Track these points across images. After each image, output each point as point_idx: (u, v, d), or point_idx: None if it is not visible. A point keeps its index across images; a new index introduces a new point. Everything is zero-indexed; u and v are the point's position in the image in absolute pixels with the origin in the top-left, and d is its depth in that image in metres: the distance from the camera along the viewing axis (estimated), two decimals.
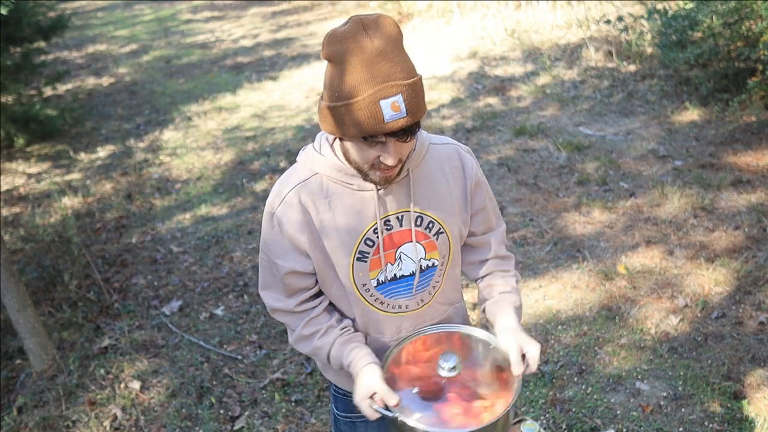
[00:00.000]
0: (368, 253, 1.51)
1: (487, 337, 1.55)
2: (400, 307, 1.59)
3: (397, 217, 1.51)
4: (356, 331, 1.61)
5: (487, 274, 1.69)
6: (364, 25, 1.30)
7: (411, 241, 1.53)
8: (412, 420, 1.35)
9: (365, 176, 1.43)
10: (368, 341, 1.61)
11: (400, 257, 1.54)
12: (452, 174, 1.56)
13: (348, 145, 1.40)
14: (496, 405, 1.40)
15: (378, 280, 1.54)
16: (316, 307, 1.58)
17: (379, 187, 1.46)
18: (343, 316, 1.63)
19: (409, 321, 1.61)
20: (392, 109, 1.27)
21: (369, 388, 1.42)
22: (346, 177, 1.46)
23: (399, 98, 1.27)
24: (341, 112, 1.31)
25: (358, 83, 1.27)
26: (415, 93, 1.30)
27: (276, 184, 1.53)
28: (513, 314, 1.57)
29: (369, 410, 1.42)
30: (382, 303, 1.57)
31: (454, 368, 1.44)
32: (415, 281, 1.57)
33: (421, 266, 1.56)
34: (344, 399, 1.72)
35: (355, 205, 1.47)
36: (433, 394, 1.44)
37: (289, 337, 1.62)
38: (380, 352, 1.57)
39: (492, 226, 1.68)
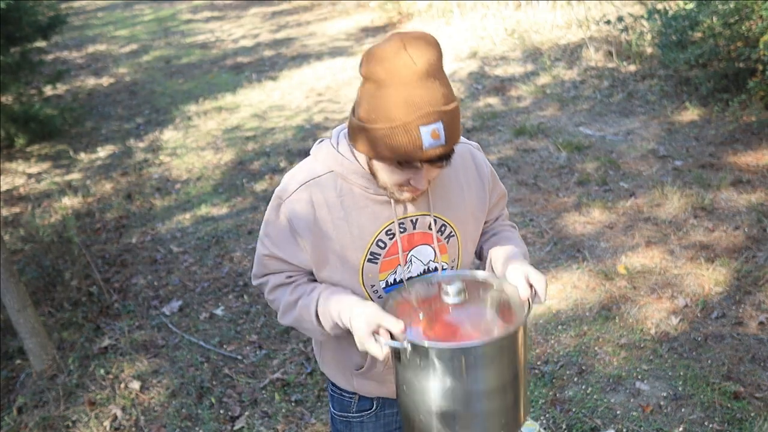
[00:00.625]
0: (379, 255, 1.48)
1: (490, 279, 1.46)
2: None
3: (412, 220, 1.48)
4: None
5: (491, 230, 1.68)
6: (406, 44, 1.23)
7: (423, 244, 1.50)
8: (425, 341, 1.23)
9: (390, 195, 1.40)
10: None
11: (411, 260, 1.51)
12: (465, 176, 1.54)
13: (378, 165, 1.35)
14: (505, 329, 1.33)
15: (387, 281, 1.52)
16: (301, 277, 1.53)
17: (394, 194, 1.43)
18: None
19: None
20: (432, 136, 1.23)
21: (369, 321, 1.28)
22: (363, 180, 1.42)
23: (439, 126, 1.23)
24: (377, 135, 1.26)
25: (398, 107, 1.23)
26: (453, 119, 1.26)
27: (288, 174, 1.49)
28: (516, 250, 1.51)
29: (376, 347, 1.27)
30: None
31: (459, 293, 1.33)
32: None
33: (428, 268, 1.54)
34: (340, 398, 1.72)
35: (368, 207, 1.44)
36: (439, 327, 1.34)
37: (279, 317, 1.55)
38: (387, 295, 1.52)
39: (501, 209, 1.70)
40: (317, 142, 1.53)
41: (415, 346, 1.25)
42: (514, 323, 1.33)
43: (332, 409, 1.79)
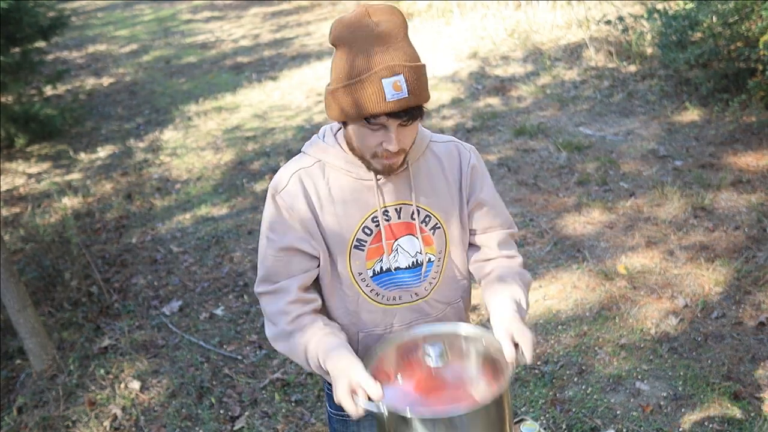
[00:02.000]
0: (366, 242, 1.52)
1: (474, 333, 1.44)
2: (394, 298, 1.58)
3: (396, 209, 1.52)
4: (348, 326, 1.58)
5: (490, 272, 1.63)
6: (369, 11, 1.34)
7: (408, 234, 1.54)
8: (402, 409, 1.22)
9: (368, 165, 1.45)
10: (360, 337, 1.59)
11: (397, 249, 1.55)
12: (451, 170, 1.57)
13: (352, 131, 1.42)
14: (488, 393, 1.31)
15: (374, 270, 1.55)
16: (306, 304, 1.52)
17: (379, 178, 1.48)
18: (333, 314, 1.59)
19: (402, 314, 1.59)
20: (394, 88, 1.30)
21: (351, 382, 1.30)
22: (347, 165, 1.49)
23: (401, 78, 1.30)
24: (344, 94, 1.34)
25: (361, 64, 1.31)
26: (417, 76, 1.33)
27: (280, 169, 1.55)
28: (508, 301, 1.47)
29: (352, 407, 1.29)
30: (377, 294, 1.57)
31: (441, 356, 1.33)
32: (422, 271, 1.57)
33: (416, 260, 1.56)
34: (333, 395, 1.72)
35: (354, 193, 1.50)
36: (420, 388, 1.34)
37: (267, 330, 1.55)
38: (372, 345, 1.52)
39: (494, 226, 1.64)
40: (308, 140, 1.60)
41: (391, 412, 1.23)
42: (498, 386, 1.29)
43: (329, 408, 1.79)
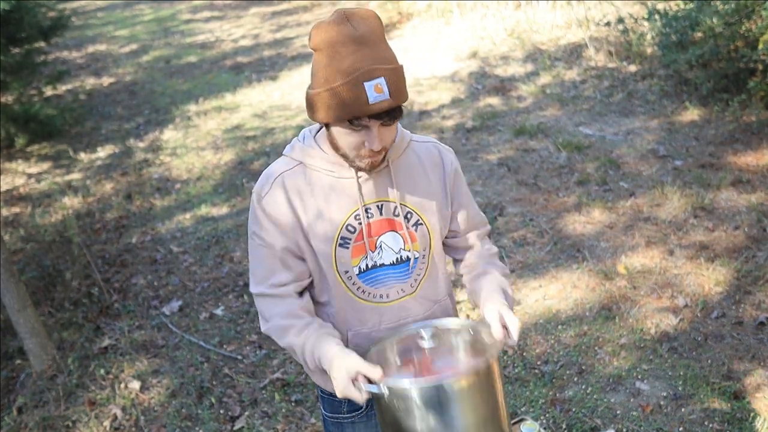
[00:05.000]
0: (350, 239, 1.54)
1: (461, 325, 1.54)
2: (381, 296, 1.59)
3: (377, 206, 1.55)
4: (338, 325, 1.60)
5: (475, 264, 1.71)
6: (348, 15, 1.37)
7: (391, 231, 1.56)
8: (404, 382, 1.31)
9: (351, 163, 1.48)
10: (350, 336, 1.61)
11: (380, 246, 1.56)
12: (432, 170, 1.61)
13: (335, 132, 1.44)
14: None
15: (360, 267, 1.56)
16: (296, 301, 1.57)
17: (360, 175, 1.51)
18: (322, 313, 1.63)
19: (390, 312, 1.61)
20: (375, 90, 1.33)
21: (349, 369, 1.37)
22: (327, 164, 1.52)
23: (382, 81, 1.34)
24: (327, 96, 1.37)
25: (342, 68, 1.34)
26: (397, 78, 1.37)
27: (262, 173, 1.58)
28: (497, 289, 1.57)
29: (356, 393, 1.35)
30: (363, 291, 1.58)
31: (433, 337, 1.44)
32: (411, 268, 1.60)
33: (401, 257, 1.58)
34: (330, 400, 1.73)
35: (336, 192, 1.52)
36: (418, 372, 1.43)
37: (262, 324, 1.60)
38: (362, 344, 1.57)
39: (476, 225, 1.71)
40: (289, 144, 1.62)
41: (392, 389, 1.31)
42: (486, 358, 1.39)
43: (323, 411, 1.80)
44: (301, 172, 1.54)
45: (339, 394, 1.39)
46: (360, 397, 1.36)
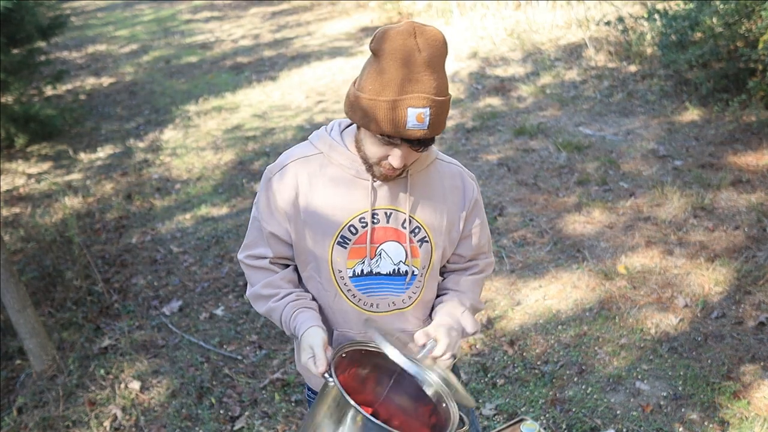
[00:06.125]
0: (349, 240, 1.52)
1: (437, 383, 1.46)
2: (371, 305, 1.58)
3: (386, 213, 1.52)
4: (324, 320, 1.60)
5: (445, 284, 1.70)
6: (417, 32, 1.33)
7: (395, 241, 1.54)
8: (334, 380, 1.34)
9: (369, 168, 1.48)
10: (335, 335, 1.62)
11: (380, 254, 1.54)
12: (451, 192, 1.59)
13: (364, 135, 1.45)
14: None
15: (354, 271, 1.54)
16: (278, 271, 1.61)
17: (375, 179, 1.50)
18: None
19: (377, 322, 1.57)
20: (416, 119, 1.33)
21: (311, 348, 1.45)
22: (347, 161, 1.51)
23: (426, 111, 1.33)
24: (369, 105, 1.36)
25: (394, 84, 1.33)
26: (441, 110, 1.36)
27: (284, 153, 1.61)
28: (445, 311, 1.59)
29: (313, 369, 1.43)
30: (354, 296, 1.57)
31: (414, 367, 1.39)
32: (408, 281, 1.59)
33: (399, 269, 1.56)
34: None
35: (348, 189, 1.52)
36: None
37: (248, 291, 1.65)
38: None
39: (483, 252, 1.70)
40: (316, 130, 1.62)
41: (327, 384, 1.37)
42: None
43: (308, 392, 1.80)
44: (319, 161, 1.54)
45: (300, 363, 1.52)
46: (315, 371, 1.41)
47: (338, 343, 1.59)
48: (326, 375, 1.36)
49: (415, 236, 1.55)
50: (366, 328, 1.56)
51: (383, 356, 1.45)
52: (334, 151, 1.52)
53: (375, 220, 1.52)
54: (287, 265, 1.64)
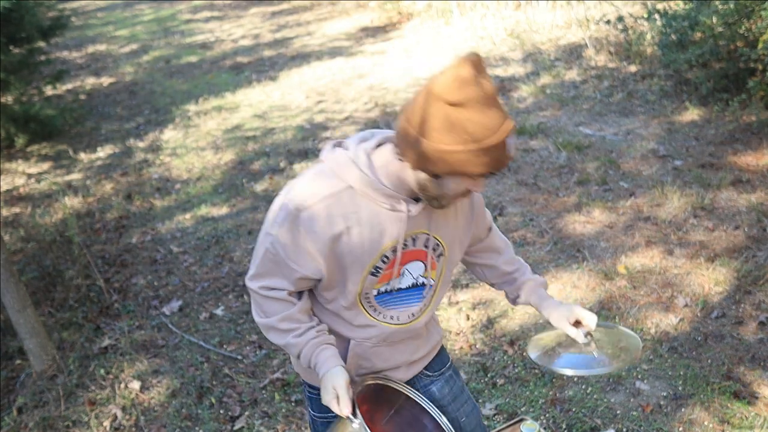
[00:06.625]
0: (381, 269, 1.55)
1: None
2: (392, 317, 1.63)
3: (413, 237, 1.56)
4: (341, 331, 1.64)
5: (508, 272, 1.83)
6: (477, 68, 1.32)
7: (417, 260, 1.59)
8: (360, 422, 1.45)
9: (430, 201, 1.45)
10: (352, 345, 1.64)
11: (404, 273, 1.59)
12: (462, 204, 1.64)
13: (430, 179, 1.40)
14: None
15: (378, 290, 1.59)
16: (296, 303, 1.58)
17: (410, 210, 1.48)
18: (327, 318, 1.66)
19: (395, 333, 1.65)
20: (513, 147, 1.39)
21: (334, 389, 1.51)
22: (380, 196, 1.46)
23: (514, 135, 1.39)
24: (469, 155, 1.33)
25: (493, 123, 1.32)
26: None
27: (303, 184, 1.49)
28: (544, 294, 1.78)
29: (336, 408, 1.50)
30: (374, 310, 1.61)
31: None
32: (423, 299, 1.66)
33: (417, 281, 1.62)
34: (318, 399, 1.73)
35: (381, 223, 1.49)
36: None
37: (257, 317, 1.62)
38: (362, 354, 1.65)
39: (502, 246, 1.84)
40: (329, 147, 1.52)
41: (349, 422, 1.49)
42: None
43: (312, 412, 1.80)
44: (350, 196, 1.46)
45: (323, 401, 1.53)
46: (339, 412, 1.50)
47: (355, 353, 1.64)
48: (351, 416, 1.47)
49: (434, 252, 1.60)
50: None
51: (392, 390, 1.66)
52: (369, 188, 1.45)
53: (404, 246, 1.54)
54: (302, 307, 1.61)
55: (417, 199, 1.49)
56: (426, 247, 1.58)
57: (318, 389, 1.71)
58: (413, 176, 1.42)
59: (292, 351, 1.60)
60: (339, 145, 1.52)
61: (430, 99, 1.33)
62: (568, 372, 1.56)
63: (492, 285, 1.87)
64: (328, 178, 1.47)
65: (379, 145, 1.50)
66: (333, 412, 1.65)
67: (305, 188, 1.48)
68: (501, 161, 1.36)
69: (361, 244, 1.49)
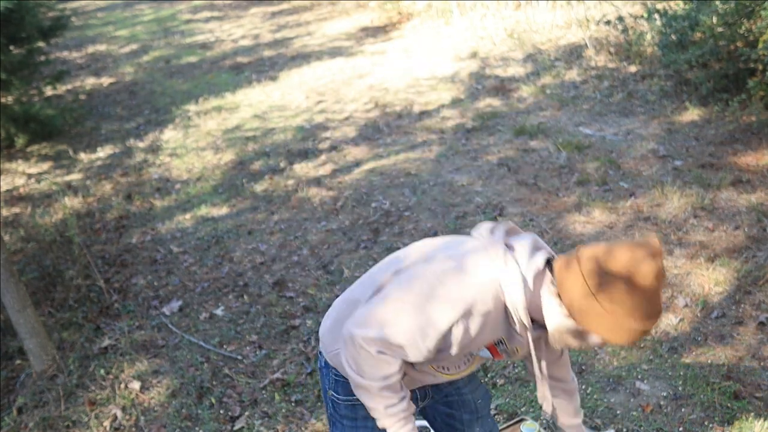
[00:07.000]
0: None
1: None
2: (458, 367, 1.75)
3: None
4: (408, 381, 1.74)
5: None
6: (656, 257, 1.47)
7: (486, 348, 1.72)
8: None
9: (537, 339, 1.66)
10: (417, 387, 1.81)
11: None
12: None
13: (586, 333, 1.54)
14: None
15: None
16: (399, 383, 1.66)
17: (530, 337, 1.62)
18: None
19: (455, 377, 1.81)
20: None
21: None
22: (519, 323, 1.58)
23: None
24: (644, 329, 1.49)
25: (657, 312, 1.50)
26: None
27: (480, 283, 1.54)
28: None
29: None
30: (443, 368, 1.73)
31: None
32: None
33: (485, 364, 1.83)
34: (345, 383, 1.75)
35: (497, 331, 1.62)
36: None
37: (351, 372, 1.63)
38: (422, 390, 1.82)
39: None
40: (500, 256, 1.55)
41: None
42: None
43: (335, 395, 1.80)
44: (501, 310, 1.57)
45: None
46: None
47: (419, 394, 1.83)
48: None
49: (501, 346, 1.70)
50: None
51: None
52: (521, 312, 1.54)
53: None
54: (400, 381, 1.70)
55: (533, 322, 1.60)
56: (497, 344, 1.67)
57: (343, 374, 1.75)
58: (558, 317, 1.53)
59: (379, 418, 1.66)
60: (509, 246, 1.58)
61: (627, 281, 1.44)
62: None
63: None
64: (487, 293, 1.53)
65: (547, 261, 1.58)
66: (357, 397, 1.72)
67: (481, 293, 1.54)
68: (637, 342, 1.56)
69: (470, 339, 1.59)
